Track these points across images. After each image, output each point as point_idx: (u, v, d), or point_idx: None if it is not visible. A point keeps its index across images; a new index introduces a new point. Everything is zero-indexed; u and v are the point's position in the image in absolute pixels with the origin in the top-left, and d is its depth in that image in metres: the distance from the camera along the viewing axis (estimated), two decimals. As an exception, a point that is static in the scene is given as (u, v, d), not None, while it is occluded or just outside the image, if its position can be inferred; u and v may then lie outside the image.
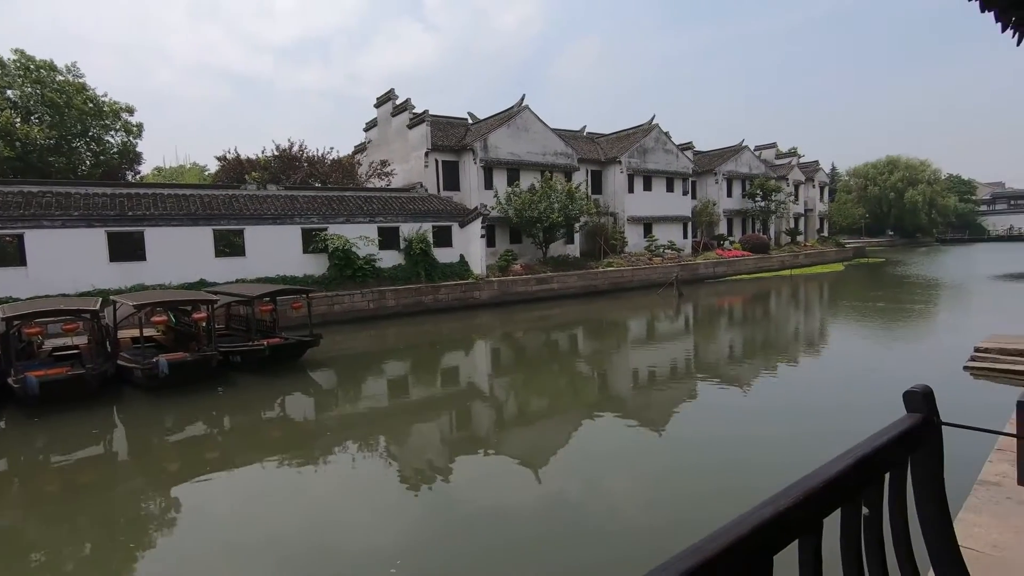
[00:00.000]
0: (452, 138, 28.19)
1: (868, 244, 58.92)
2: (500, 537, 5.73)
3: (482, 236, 23.71)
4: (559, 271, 25.78)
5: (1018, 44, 3.47)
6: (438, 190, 26.52)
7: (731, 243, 37.45)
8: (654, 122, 34.32)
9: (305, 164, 28.04)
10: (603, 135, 36.85)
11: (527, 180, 27.53)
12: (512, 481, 7.11)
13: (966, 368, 10.51)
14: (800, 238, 45.57)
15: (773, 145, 48.95)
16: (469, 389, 12.17)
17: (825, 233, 51.93)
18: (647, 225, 33.13)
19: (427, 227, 22.82)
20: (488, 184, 27.07)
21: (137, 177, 31.42)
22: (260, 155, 28.48)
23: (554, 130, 29.65)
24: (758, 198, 39.67)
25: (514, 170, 27.83)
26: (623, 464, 7.48)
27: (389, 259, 21.87)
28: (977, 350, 10.88)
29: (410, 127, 27.66)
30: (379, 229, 21.85)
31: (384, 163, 28.99)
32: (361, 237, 20.85)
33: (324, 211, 21.00)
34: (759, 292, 27.21)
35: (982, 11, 2.92)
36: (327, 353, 14.52)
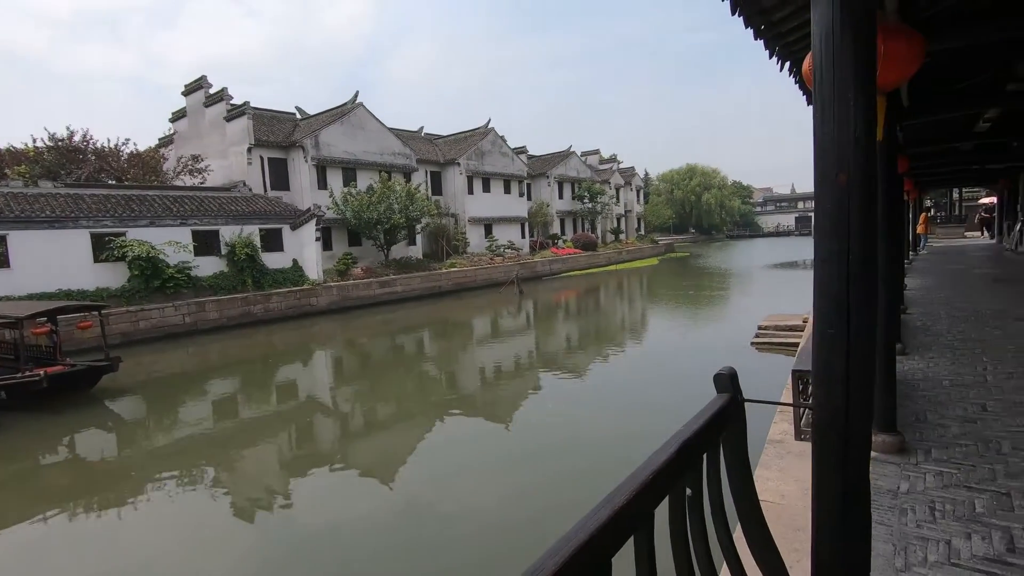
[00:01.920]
0: (279, 134, 26.03)
1: (676, 241, 67.17)
2: (351, 552, 5.37)
3: (317, 239, 22.26)
4: (402, 273, 25.27)
5: (780, 70, 4.15)
6: (265, 189, 24.31)
7: (564, 242, 40.06)
8: (490, 126, 35.33)
9: (93, 157, 23.74)
10: (441, 136, 37.00)
11: (364, 180, 26.51)
12: (361, 493, 6.74)
13: (752, 344, 12.47)
14: (622, 236, 50.41)
15: (597, 151, 53.45)
16: (309, 403, 11.32)
17: (642, 232, 58.18)
18: (487, 226, 34.00)
19: (253, 230, 20.76)
20: (322, 184, 25.51)
21: None
22: (29, 146, 23.47)
23: (392, 130, 28.97)
24: (586, 200, 43.02)
25: (350, 170, 26.60)
26: (474, 462, 7.53)
27: (208, 266, 19.47)
28: (760, 328, 12.97)
29: (228, 120, 24.93)
30: (193, 233, 19.33)
31: (196, 158, 25.72)
32: (170, 243, 18.25)
33: (120, 213, 17.98)
34: (591, 286, 29.53)
35: (755, 39, 3.42)
36: (132, 378, 12.45)
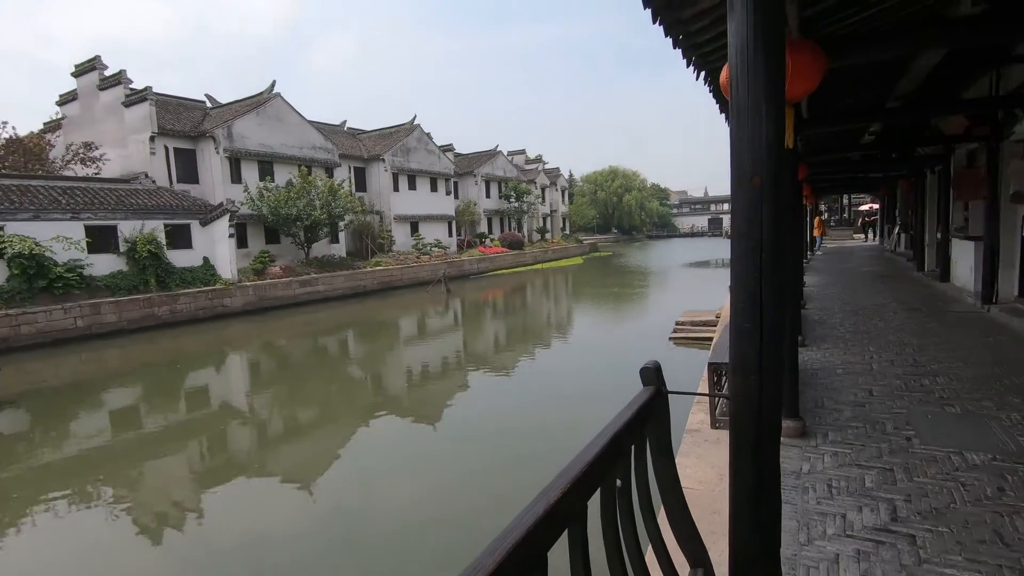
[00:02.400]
0: (187, 122, 24.26)
1: (599, 240, 69.25)
2: (272, 562, 5.11)
3: (231, 236, 20.95)
4: (324, 272, 24.33)
5: (697, 79, 4.38)
6: (170, 182, 22.57)
7: (492, 241, 40.22)
8: (416, 122, 34.79)
9: (-39, 142, 21.04)
10: (365, 132, 35.98)
11: (283, 175, 25.27)
12: (282, 502, 6.43)
13: (670, 339, 13.09)
14: (548, 236, 51.32)
15: (523, 152, 54.05)
16: (223, 411, 10.65)
17: (567, 231, 59.51)
18: (414, 224, 33.47)
19: (157, 225, 19.22)
20: (236, 178, 24.04)
21: None
22: None
23: (312, 123, 27.81)
24: (512, 199, 43.40)
25: (267, 163, 25.25)
26: (404, 463, 7.39)
27: (105, 265, 17.82)
28: (677, 323, 13.65)
29: (127, 105, 22.89)
30: (87, 228, 17.60)
31: (89, 146, 23.41)
32: (58, 238, 16.53)
33: (-3, 205, 16.06)
34: (518, 284, 29.84)
35: (674, 48, 3.58)
36: (13, 388, 11.17)
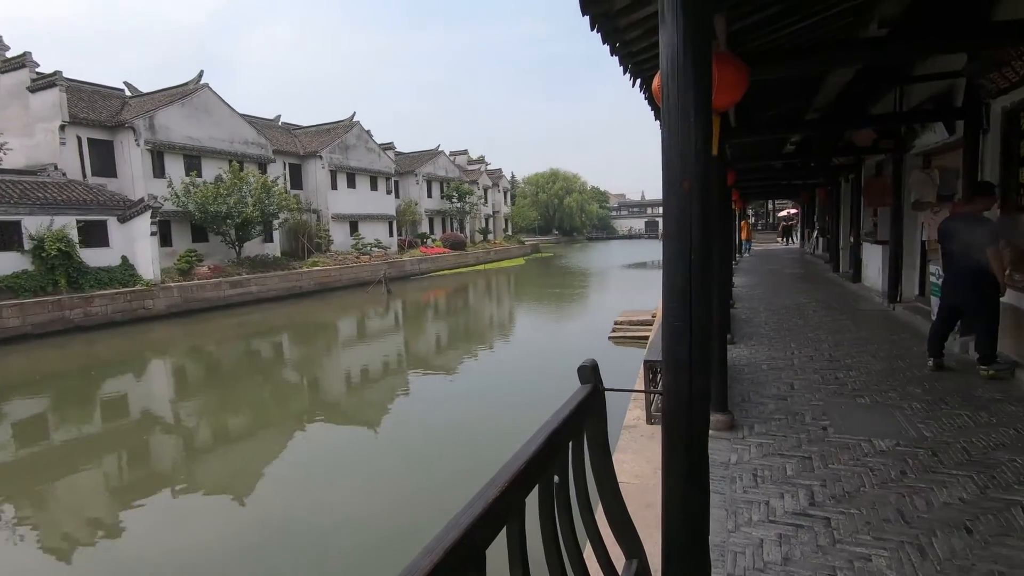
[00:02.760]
0: (103, 111, 22.58)
1: (541, 241, 70.10)
2: (194, 590, 4.84)
3: (153, 234, 19.67)
4: (257, 272, 23.31)
5: (633, 86, 4.52)
6: (84, 175, 20.92)
7: (433, 241, 39.85)
8: (355, 119, 33.97)
9: None
10: (301, 127, 34.76)
11: (211, 170, 23.98)
12: (212, 517, 6.10)
13: (610, 338, 13.43)
14: (490, 236, 51.44)
15: (465, 152, 53.89)
16: (145, 421, 9.99)
17: (509, 232, 59.87)
18: (353, 223, 32.64)
19: (68, 221, 17.76)
20: (159, 172, 22.58)
21: None
22: None
23: (244, 116, 26.58)
24: (454, 199, 43.19)
25: (194, 157, 23.88)
26: (340, 469, 7.19)
27: (6, 264, 16.31)
28: (616, 323, 14.02)
29: (33, 91, 21.04)
30: (-15, 224, 16.08)
31: (-11, 134, 21.36)
32: (-48, 234, 15.00)
33: None
34: (460, 285, 29.72)
35: (611, 55, 3.68)
36: None
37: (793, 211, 38.46)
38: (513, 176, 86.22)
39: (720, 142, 4.48)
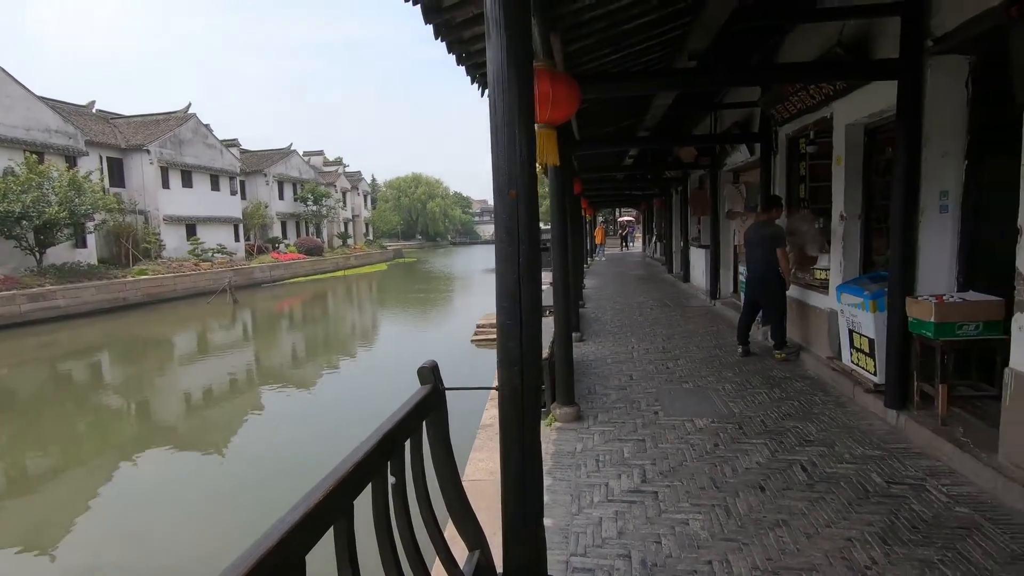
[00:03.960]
0: None
1: (404, 246, 68.92)
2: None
3: (-85, 238, 15.94)
4: (66, 283, 19.90)
5: (481, 96, 4.68)
6: None
7: (287, 246, 37.29)
8: (191, 110, 30.62)
9: None
10: (123, 116, 30.45)
11: (0, 162, 20.06)
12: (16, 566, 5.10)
13: (472, 341, 13.65)
14: (350, 241, 49.43)
15: (321, 152, 51.24)
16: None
17: (371, 237, 58.06)
18: (190, 227, 29.33)
19: None
20: (-78, 161, 18.36)
21: None
22: None
23: (46, 100, 22.63)
24: (310, 202, 40.84)
25: (-26, 145, 19.80)
26: (181, 506, 6.43)
27: None
28: (478, 326, 14.29)
29: None
30: None
31: None
32: None
33: None
34: (317, 293, 28.15)
35: (457, 65, 3.79)
36: None
37: (629, 219, 42.66)
38: (375, 180, 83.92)
39: (564, 154, 4.81)
